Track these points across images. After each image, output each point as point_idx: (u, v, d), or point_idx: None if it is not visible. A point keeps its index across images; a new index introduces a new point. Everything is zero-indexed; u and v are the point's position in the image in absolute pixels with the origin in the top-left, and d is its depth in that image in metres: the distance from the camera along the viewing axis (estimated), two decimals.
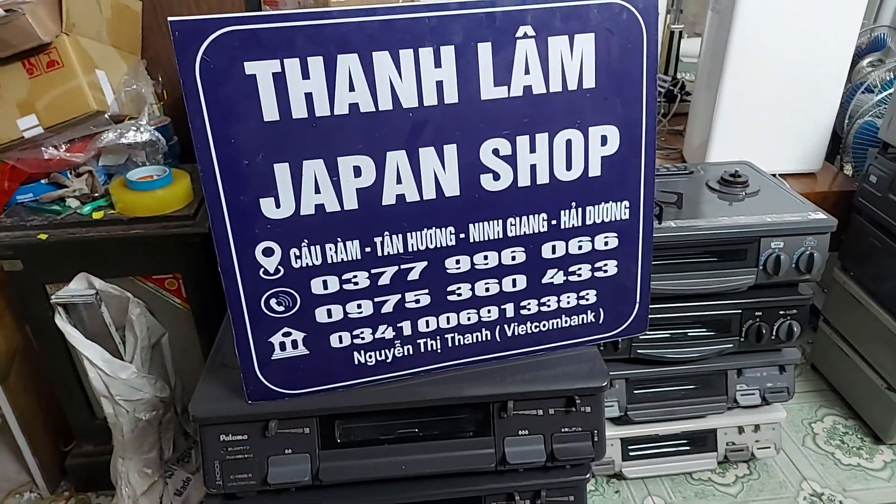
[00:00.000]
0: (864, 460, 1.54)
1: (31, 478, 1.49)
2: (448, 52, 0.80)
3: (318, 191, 0.82)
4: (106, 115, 1.29)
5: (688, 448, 1.46)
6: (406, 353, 0.95)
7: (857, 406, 1.66)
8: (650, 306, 1.02)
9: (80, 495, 1.49)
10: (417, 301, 0.92)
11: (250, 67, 0.76)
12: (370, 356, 0.94)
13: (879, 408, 1.56)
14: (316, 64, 0.77)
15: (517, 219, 0.90)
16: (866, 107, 1.77)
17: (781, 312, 1.36)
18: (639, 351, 1.35)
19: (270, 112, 0.78)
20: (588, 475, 1.00)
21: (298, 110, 0.78)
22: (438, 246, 0.89)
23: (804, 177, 1.72)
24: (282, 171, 0.80)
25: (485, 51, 0.81)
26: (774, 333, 1.36)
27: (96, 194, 1.31)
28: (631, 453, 1.45)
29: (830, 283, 1.70)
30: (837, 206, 1.62)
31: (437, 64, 0.80)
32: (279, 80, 0.77)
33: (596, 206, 0.93)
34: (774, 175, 1.56)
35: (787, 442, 1.58)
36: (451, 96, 0.82)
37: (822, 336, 1.75)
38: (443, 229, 0.89)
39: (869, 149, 1.63)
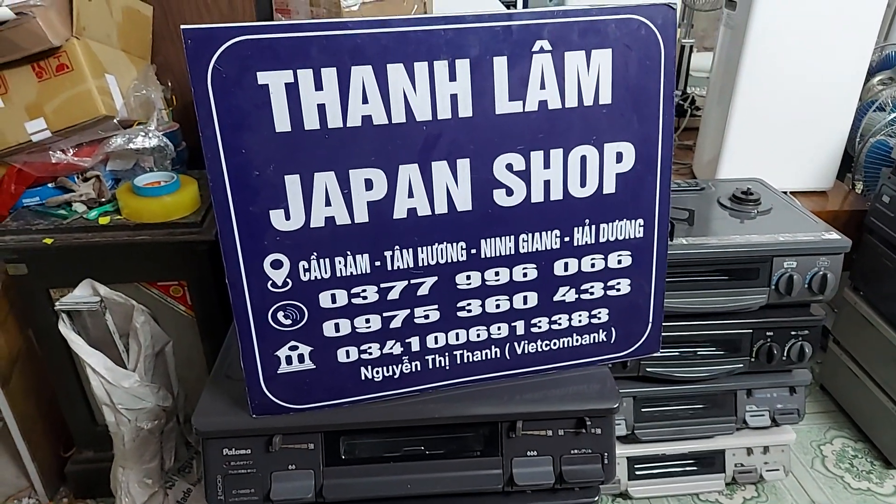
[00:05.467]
0: (875, 485, 1.51)
1: (30, 483, 1.48)
2: (463, 66, 0.79)
3: (328, 203, 0.81)
4: (114, 120, 1.28)
5: (695, 468, 1.44)
6: (414, 370, 0.93)
7: (866, 429, 1.64)
8: None
9: (79, 502, 1.48)
10: (427, 316, 0.91)
11: (263, 77, 0.75)
12: (377, 372, 0.92)
13: (890, 431, 1.54)
14: (329, 75, 0.76)
15: (529, 235, 0.89)
16: (879, 125, 1.76)
17: (793, 333, 1.34)
18: (648, 369, 1.33)
19: (282, 123, 0.77)
20: (597, 497, 0.98)
21: (311, 122, 0.77)
22: (449, 261, 0.88)
23: (815, 195, 1.71)
24: (293, 182, 0.79)
25: (500, 65, 0.80)
26: (785, 354, 1.34)
27: (103, 199, 1.31)
28: (637, 472, 1.43)
29: (840, 302, 1.68)
30: (848, 225, 1.60)
31: (452, 77, 0.79)
32: (292, 90, 0.76)
33: (610, 224, 0.91)
34: (786, 193, 1.55)
35: (796, 464, 1.56)
36: (466, 110, 0.81)
37: (832, 356, 1.73)
38: (454, 244, 0.87)
39: (882, 168, 1.61)
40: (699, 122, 1.85)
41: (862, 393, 1.61)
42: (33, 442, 1.43)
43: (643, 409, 1.38)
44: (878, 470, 1.55)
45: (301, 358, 0.89)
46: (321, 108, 0.77)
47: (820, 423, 1.69)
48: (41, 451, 1.46)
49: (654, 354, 1.22)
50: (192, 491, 1.24)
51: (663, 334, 1.01)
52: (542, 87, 0.82)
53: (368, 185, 0.81)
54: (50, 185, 1.33)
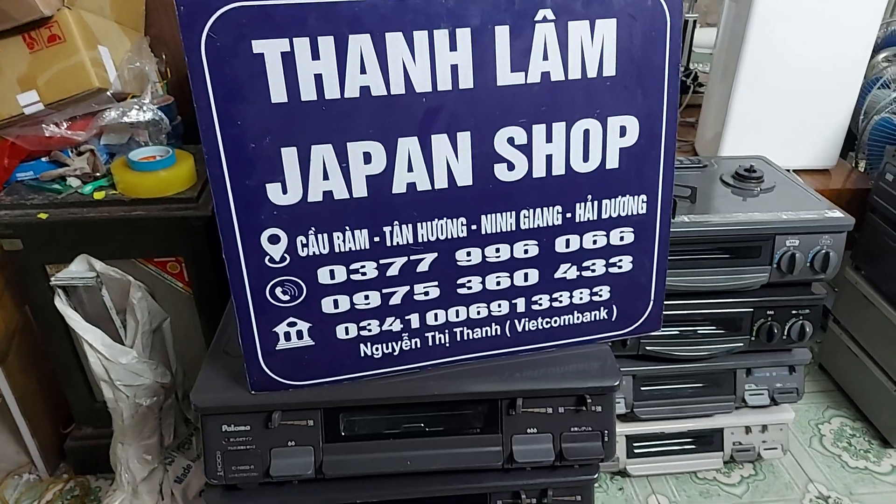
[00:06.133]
0: (872, 464, 1.52)
1: (30, 459, 1.48)
2: (464, 35, 0.77)
3: (326, 177, 0.79)
4: (108, 93, 1.26)
5: (693, 447, 1.44)
6: (413, 347, 0.92)
7: (865, 408, 1.64)
8: None
9: (79, 478, 1.48)
10: (426, 293, 0.90)
11: (258, 46, 0.73)
12: (377, 349, 0.91)
13: (888, 411, 1.54)
14: (326, 44, 0.74)
15: (531, 211, 0.88)
16: (883, 103, 1.74)
17: (794, 312, 1.33)
18: (647, 348, 1.32)
19: (278, 93, 0.75)
20: (596, 475, 0.98)
21: (307, 92, 0.75)
22: (449, 237, 0.87)
23: (818, 173, 1.69)
24: (289, 155, 0.77)
25: (502, 34, 0.78)
26: (786, 333, 1.34)
27: (98, 174, 1.29)
28: (636, 451, 1.43)
29: (841, 282, 1.68)
30: (851, 204, 1.59)
31: (453, 47, 0.77)
32: (288, 59, 0.74)
33: (612, 200, 0.90)
34: (788, 171, 1.53)
35: (794, 443, 1.56)
36: (466, 81, 0.79)
37: (831, 336, 1.73)
38: (454, 220, 0.86)
39: (886, 146, 1.59)
40: (702, 98, 1.82)
41: (861, 372, 1.62)
42: (33, 418, 1.43)
43: (642, 388, 1.37)
44: (875, 449, 1.56)
45: (300, 334, 0.88)
46: (318, 79, 0.75)
47: (818, 403, 1.69)
48: (41, 428, 1.46)
49: (654, 333, 1.21)
50: (191, 467, 1.24)
51: (664, 313, 1.01)
52: (545, 57, 0.80)
53: (367, 158, 0.80)
54: (44, 159, 1.30)
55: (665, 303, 1.00)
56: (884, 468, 1.50)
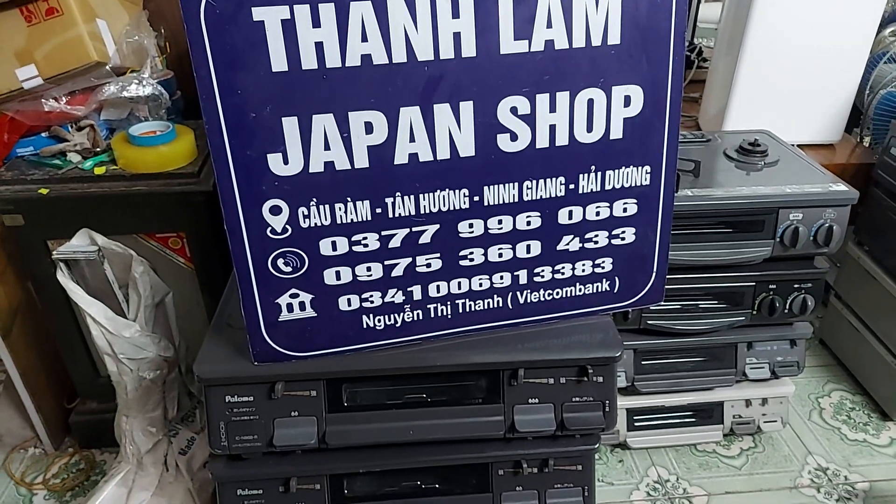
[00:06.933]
0: (871, 436, 1.53)
1: (35, 434, 1.49)
2: (467, 2, 0.76)
3: (327, 147, 0.79)
4: (107, 67, 1.25)
5: (693, 420, 1.45)
6: (416, 318, 0.93)
7: (865, 382, 1.65)
8: None
9: (84, 452, 1.50)
10: (428, 265, 0.90)
11: (258, 13, 0.72)
12: (379, 320, 0.91)
13: (888, 384, 1.55)
14: (327, 11, 0.73)
15: (534, 182, 0.87)
16: (889, 78, 1.72)
17: (796, 286, 1.33)
18: (649, 322, 1.33)
19: (279, 62, 0.74)
20: (597, 445, 0.99)
21: (308, 61, 0.75)
22: (452, 208, 0.86)
23: (822, 148, 1.68)
24: (290, 125, 0.77)
25: (505, 1, 0.77)
26: (788, 307, 1.34)
27: (98, 149, 1.28)
28: (636, 424, 1.44)
29: (844, 257, 1.67)
30: (856, 179, 1.58)
31: (455, 14, 0.76)
32: (288, 27, 0.73)
33: (616, 171, 0.89)
34: (793, 145, 1.52)
35: (794, 416, 1.57)
36: (469, 49, 0.78)
37: (833, 311, 1.73)
38: (456, 191, 0.85)
39: (892, 121, 1.58)
40: (706, 74, 1.80)
41: (862, 347, 1.62)
42: (37, 393, 1.44)
43: (643, 362, 1.38)
44: (874, 422, 1.57)
45: (302, 305, 0.88)
46: (319, 47, 0.74)
47: (818, 377, 1.70)
48: (45, 403, 1.47)
49: (656, 307, 1.21)
50: (195, 439, 1.25)
51: (665, 287, 1.00)
52: (549, 25, 0.79)
53: (368, 128, 0.79)
54: (44, 134, 1.30)
55: (667, 276, 1.00)
56: (882, 440, 1.52)
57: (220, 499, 0.98)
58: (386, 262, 0.88)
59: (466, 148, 0.83)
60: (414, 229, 0.87)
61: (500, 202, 0.87)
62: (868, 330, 1.60)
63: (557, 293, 0.96)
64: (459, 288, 0.92)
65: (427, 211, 0.86)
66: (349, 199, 0.83)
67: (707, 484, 1.41)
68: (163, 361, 1.17)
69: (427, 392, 0.95)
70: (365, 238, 0.86)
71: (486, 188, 0.86)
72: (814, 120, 1.65)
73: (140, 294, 1.11)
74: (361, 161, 0.81)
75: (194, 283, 1.34)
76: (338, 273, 0.87)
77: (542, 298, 0.96)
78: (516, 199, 0.88)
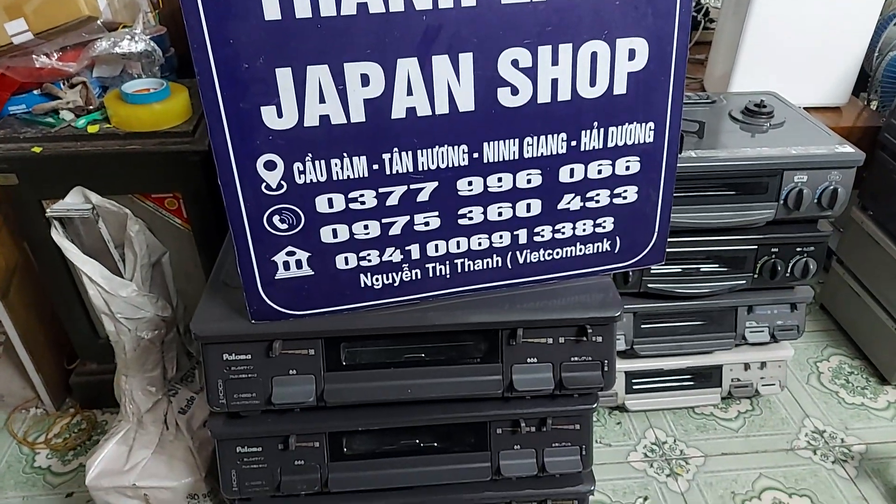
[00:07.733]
0: (869, 400, 1.53)
1: (36, 394, 1.50)
2: None
3: (322, 100, 0.77)
4: (98, 22, 1.22)
5: (692, 383, 1.46)
6: (414, 278, 0.92)
7: (864, 346, 1.65)
8: None
9: (85, 412, 1.51)
10: (427, 224, 0.88)
11: None
12: (377, 279, 0.90)
13: (887, 348, 1.55)
14: None
15: (535, 138, 0.85)
16: None
17: (798, 249, 1.32)
18: (649, 285, 1.32)
19: (272, 10, 0.71)
20: (595, 404, 0.99)
21: (302, 9, 0.72)
22: (450, 165, 0.85)
23: (829, 111, 1.65)
24: (284, 76, 0.75)
25: None
26: (789, 271, 1.33)
27: (91, 107, 1.26)
28: (635, 386, 1.44)
29: (847, 222, 1.66)
30: (862, 142, 1.54)
31: None
32: None
33: (619, 127, 0.87)
34: (799, 107, 1.49)
35: (792, 380, 1.58)
36: None
37: (834, 276, 1.72)
38: (455, 147, 0.83)
39: None
40: (712, 35, 1.76)
41: (863, 311, 1.62)
42: (37, 354, 1.44)
43: (643, 325, 1.38)
44: (872, 386, 1.57)
45: (299, 263, 0.87)
46: None
47: (818, 342, 1.70)
48: (45, 363, 1.47)
49: (656, 270, 1.20)
50: (195, 399, 1.25)
51: (667, 250, 0.99)
52: None
53: (365, 80, 0.77)
54: (36, 91, 1.27)
55: (668, 240, 0.99)
56: (880, 404, 1.52)
57: (220, 456, 0.98)
58: (383, 221, 0.87)
59: (466, 102, 0.80)
60: (412, 187, 0.85)
61: (500, 159, 0.86)
62: (869, 295, 1.60)
63: (557, 253, 0.95)
64: (458, 247, 0.91)
65: (425, 168, 0.84)
66: (345, 154, 0.81)
67: (704, 445, 1.42)
68: (161, 321, 1.16)
69: (426, 351, 0.94)
70: (362, 195, 0.84)
71: (485, 144, 0.84)
72: (821, 83, 1.62)
73: (136, 253, 1.10)
74: (357, 115, 0.79)
75: (192, 245, 1.33)
76: (335, 231, 0.86)
77: (541, 258, 0.95)
78: (517, 156, 0.86)
